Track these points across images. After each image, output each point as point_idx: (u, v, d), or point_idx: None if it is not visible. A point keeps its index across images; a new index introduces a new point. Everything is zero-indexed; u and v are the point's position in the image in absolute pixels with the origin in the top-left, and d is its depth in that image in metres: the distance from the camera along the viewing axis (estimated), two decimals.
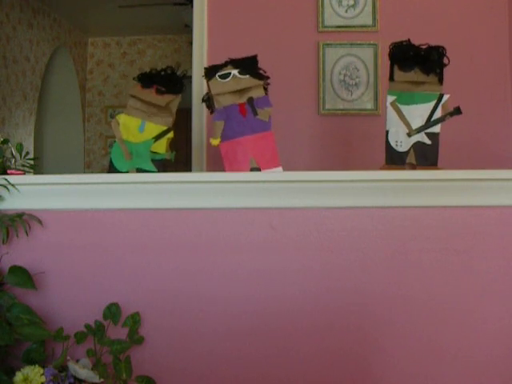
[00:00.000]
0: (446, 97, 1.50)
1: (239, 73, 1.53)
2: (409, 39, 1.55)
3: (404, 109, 1.51)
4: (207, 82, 1.56)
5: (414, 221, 1.47)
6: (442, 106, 1.50)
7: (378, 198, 1.47)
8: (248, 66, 1.54)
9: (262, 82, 1.54)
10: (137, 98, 1.58)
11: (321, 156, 2.64)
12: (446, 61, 1.52)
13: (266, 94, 1.58)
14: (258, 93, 1.54)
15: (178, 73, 1.59)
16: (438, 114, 1.50)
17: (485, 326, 1.45)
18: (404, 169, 1.50)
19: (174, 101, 1.58)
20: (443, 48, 1.52)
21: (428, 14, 2.63)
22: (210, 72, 1.55)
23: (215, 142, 1.53)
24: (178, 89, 1.58)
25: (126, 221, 1.53)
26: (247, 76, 1.53)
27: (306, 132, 2.64)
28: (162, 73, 1.58)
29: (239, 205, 1.50)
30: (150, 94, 1.56)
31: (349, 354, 1.48)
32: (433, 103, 1.50)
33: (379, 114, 2.59)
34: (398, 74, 1.51)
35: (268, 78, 1.56)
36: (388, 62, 1.56)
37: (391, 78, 1.53)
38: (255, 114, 1.52)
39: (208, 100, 1.59)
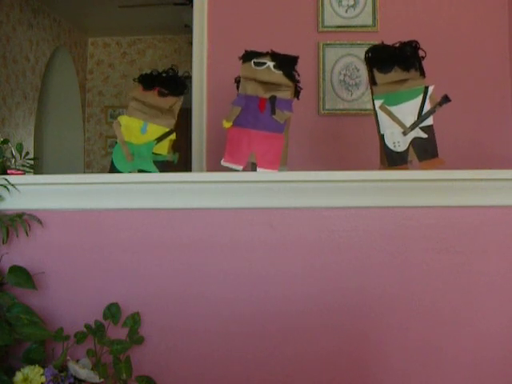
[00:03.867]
0: (431, 88, 1.50)
1: (274, 66, 1.52)
2: (382, 41, 1.55)
3: (393, 109, 1.51)
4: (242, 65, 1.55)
5: (414, 221, 1.47)
6: (430, 97, 1.50)
7: (378, 197, 1.47)
8: (285, 63, 1.53)
9: (291, 84, 1.52)
10: (138, 101, 1.57)
11: (321, 156, 2.64)
12: (422, 53, 1.52)
13: (298, 97, 1.56)
14: (284, 94, 1.52)
15: (180, 74, 1.58)
16: (428, 106, 1.50)
17: (485, 327, 1.45)
18: (407, 168, 1.50)
19: (177, 103, 1.57)
20: (416, 42, 1.52)
21: (428, 14, 2.63)
22: (248, 56, 1.55)
23: (227, 124, 1.53)
24: (180, 91, 1.57)
25: (126, 221, 1.53)
26: (280, 72, 1.52)
27: (306, 132, 2.64)
28: (164, 74, 1.57)
29: (239, 205, 1.50)
30: (152, 97, 1.55)
31: (348, 354, 1.48)
32: (420, 97, 1.50)
33: None
34: (380, 77, 1.51)
35: (298, 82, 1.54)
36: None
37: (374, 83, 1.53)
38: (273, 112, 1.51)
39: (239, 83, 1.58)
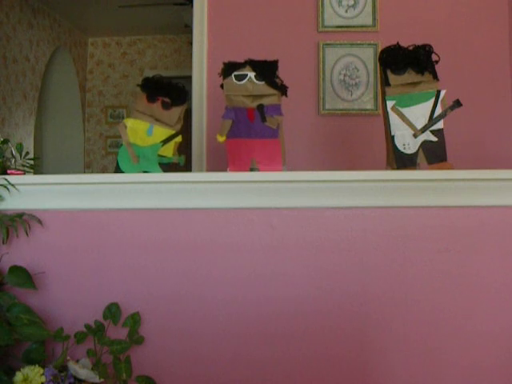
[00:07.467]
0: (443, 92, 1.51)
1: (255, 77, 1.50)
2: (397, 42, 1.55)
3: (405, 111, 1.51)
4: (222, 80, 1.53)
5: (414, 221, 1.47)
6: (441, 101, 1.51)
7: (378, 197, 1.47)
8: (266, 71, 1.50)
9: (276, 92, 1.50)
10: (142, 114, 1.56)
11: (321, 156, 2.64)
12: (435, 57, 1.52)
13: (286, 95, 1.54)
14: (271, 100, 1.51)
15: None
16: (439, 110, 1.51)
17: (485, 328, 1.45)
18: (415, 170, 1.50)
19: (181, 111, 1.56)
20: (430, 46, 1.52)
21: (428, 14, 2.63)
22: (227, 70, 1.52)
23: (221, 139, 1.53)
24: (182, 99, 1.56)
25: (126, 221, 1.53)
26: (263, 82, 1.50)
27: (306, 132, 2.64)
28: (166, 84, 1.55)
29: (239, 205, 1.50)
30: (156, 110, 1.54)
31: (348, 353, 1.48)
32: (432, 101, 1.51)
33: (379, 114, 2.58)
34: (393, 78, 1.51)
35: (284, 87, 1.52)
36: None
37: (387, 84, 1.53)
38: (263, 120, 1.50)
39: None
